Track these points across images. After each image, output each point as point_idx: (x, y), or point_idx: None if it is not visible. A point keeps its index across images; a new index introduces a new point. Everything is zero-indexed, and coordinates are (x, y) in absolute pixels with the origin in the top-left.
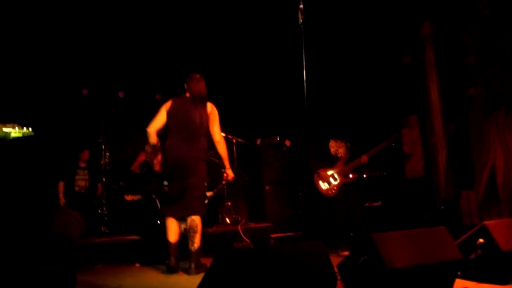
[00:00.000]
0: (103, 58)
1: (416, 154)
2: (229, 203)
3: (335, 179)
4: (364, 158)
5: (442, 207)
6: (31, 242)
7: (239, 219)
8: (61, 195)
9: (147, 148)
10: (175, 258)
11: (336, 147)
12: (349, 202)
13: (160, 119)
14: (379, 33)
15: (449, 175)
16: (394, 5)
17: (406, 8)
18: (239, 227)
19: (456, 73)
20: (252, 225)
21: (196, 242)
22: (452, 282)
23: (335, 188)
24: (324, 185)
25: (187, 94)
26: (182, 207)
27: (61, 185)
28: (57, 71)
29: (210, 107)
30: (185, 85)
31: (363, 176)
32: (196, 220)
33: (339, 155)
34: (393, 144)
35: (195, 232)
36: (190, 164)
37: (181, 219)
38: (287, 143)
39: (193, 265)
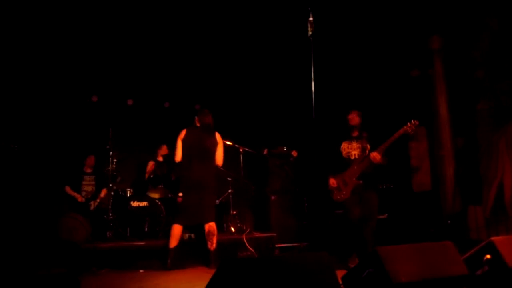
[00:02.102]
0: (114, 66)
1: (423, 168)
2: (235, 212)
3: (345, 183)
4: (374, 156)
5: (449, 222)
6: (36, 246)
7: (244, 228)
8: (75, 194)
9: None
10: (172, 261)
11: (348, 149)
12: (364, 208)
13: (180, 149)
14: (388, 45)
15: (457, 190)
16: (403, 18)
17: (415, 21)
18: (243, 236)
19: (465, 86)
20: (257, 234)
21: (215, 243)
22: None
23: (345, 192)
24: (334, 190)
25: (198, 124)
26: (198, 216)
27: (68, 188)
28: (69, 78)
29: (218, 136)
30: (196, 117)
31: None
32: (213, 225)
33: (352, 158)
34: (411, 133)
35: (213, 235)
36: (205, 181)
37: (187, 228)
38: (294, 153)
39: (212, 261)
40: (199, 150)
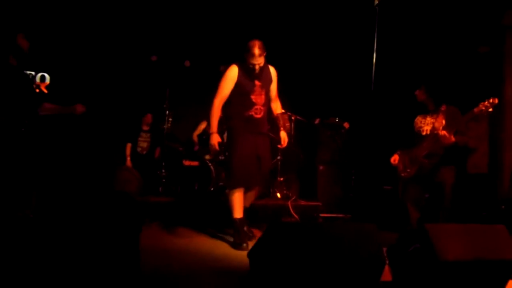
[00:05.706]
0: (173, 27)
1: (481, 149)
2: (282, 179)
3: (411, 161)
4: (444, 134)
5: (503, 207)
6: (94, 195)
7: (290, 195)
8: (128, 158)
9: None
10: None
11: (420, 124)
12: (432, 189)
13: None
14: (457, 19)
15: None
16: None
17: None
18: (289, 203)
19: None
20: (302, 202)
21: None
22: (505, 282)
23: (409, 170)
24: (400, 166)
25: None
26: None
27: (129, 146)
28: (130, 38)
29: None
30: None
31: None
32: None
33: (423, 133)
34: (487, 113)
35: None
36: None
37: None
38: (346, 125)
39: None
40: None
